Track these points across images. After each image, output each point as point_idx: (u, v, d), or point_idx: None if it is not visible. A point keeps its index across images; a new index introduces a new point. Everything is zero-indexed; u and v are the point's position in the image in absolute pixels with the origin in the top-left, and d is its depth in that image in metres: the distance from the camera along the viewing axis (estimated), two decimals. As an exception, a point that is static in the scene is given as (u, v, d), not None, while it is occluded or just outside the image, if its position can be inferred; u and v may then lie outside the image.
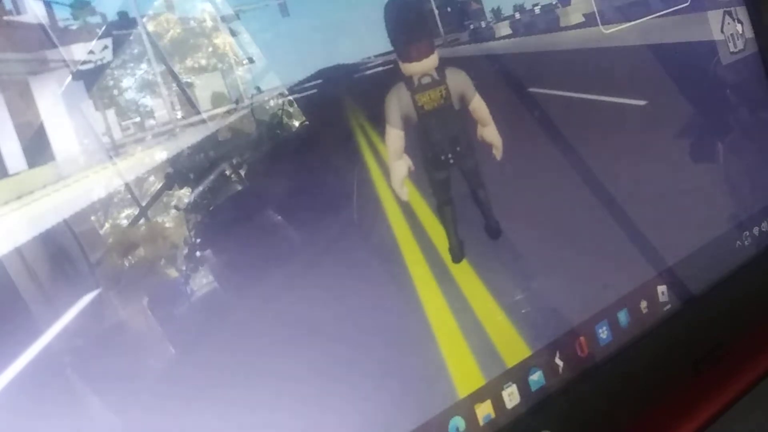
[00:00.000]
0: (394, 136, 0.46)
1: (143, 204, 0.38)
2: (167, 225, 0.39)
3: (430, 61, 0.48)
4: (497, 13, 0.53)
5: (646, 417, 0.53)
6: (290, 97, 0.43)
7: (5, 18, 0.35)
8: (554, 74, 0.54)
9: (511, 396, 0.47)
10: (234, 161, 0.41)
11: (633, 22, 0.59)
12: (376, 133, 0.46)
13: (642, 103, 0.58)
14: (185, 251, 0.39)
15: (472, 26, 0.51)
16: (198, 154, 0.40)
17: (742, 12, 0.66)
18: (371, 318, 0.43)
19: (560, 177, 0.53)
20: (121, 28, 0.38)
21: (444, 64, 0.48)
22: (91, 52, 0.37)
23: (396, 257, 0.45)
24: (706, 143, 0.63)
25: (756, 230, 0.64)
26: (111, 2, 0.38)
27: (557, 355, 0.50)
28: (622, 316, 0.54)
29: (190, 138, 0.39)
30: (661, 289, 0.56)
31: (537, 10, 0.54)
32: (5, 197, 0.34)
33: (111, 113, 0.37)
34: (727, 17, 0.65)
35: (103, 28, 0.38)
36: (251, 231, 0.41)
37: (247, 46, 0.42)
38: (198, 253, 0.39)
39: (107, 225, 0.37)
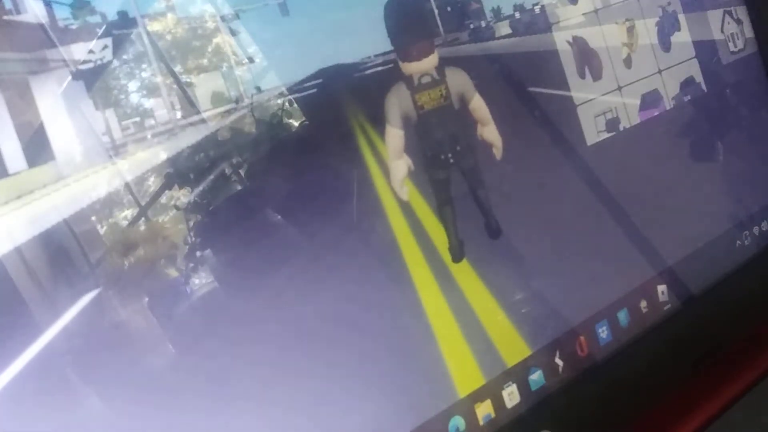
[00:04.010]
0: (394, 136, 0.46)
1: (143, 204, 0.38)
2: (167, 225, 0.39)
3: (430, 61, 0.48)
4: (497, 13, 0.53)
5: (646, 417, 0.53)
6: (290, 97, 0.43)
7: (5, 18, 0.35)
8: (554, 74, 0.54)
9: (511, 395, 0.47)
10: (234, 161, 0.41)
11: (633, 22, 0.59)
12: (376, 133, 0.46)
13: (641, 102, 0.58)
14: (185, 251, 0.39)
15: (472, 26, 0.51)
16: (198, 153, 0.40)
17: (742, 12, 0.66)
18: (371, 318, 0.43)
19: (560, 177, 0.53)
20: (121, 27, 0.38)
21: (444, 63, 0.48)
22: (90, 51, 0.37)
23: (396, 257, 0.45)
24: (706, 143, 0.63)
25: (756, 230, 0.64)
26: (111, 2, 0.38)
27: (557, 354, 0.50)
28: (622, 316, 0.54)
29: (190, 138, 0.39)
30: (661, 288, 0.56)
31: (537, 9, 0.54)
32: (5, 197, 0.34)
33: (111, 113, 0.37)
34: (727, 17, 0.65)
35: (103, 28, 0.38)
36: (251, 231, 0.41)
37: (247, 46, 0.42)
38: (198, 253, 0.39)
39: (107, 225, 0.37)
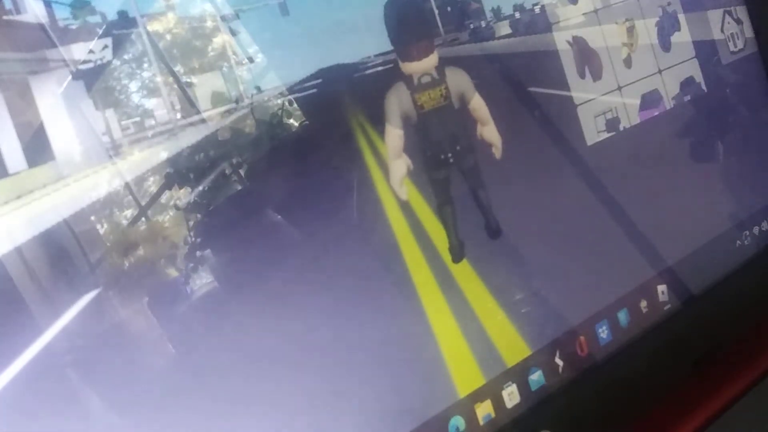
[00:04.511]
0: (394, 135, 0.46)
1: (143, 204, 0.38)
2: (167, 225, 0.39)
3: (430, 61, 0.48)
4: (497, 13, 0.53)
5: (646, 417, 0.53)
6: (290, 97, 0.43)
7: (5, 18, 0.35)
8: (554, 74, 0.54)
9: (511, 395, 0.47)
10: (234, 161, 0.41)
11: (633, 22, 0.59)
12: (376, 133, 0.46)
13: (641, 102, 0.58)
14: (185, 251, 0.39)
15: (472, 26, 0.51)
16: (198, 153, 0.40)
17: (742, 12, 0.66)
18: (371, 318, 0.43)
19: (560, 177, 0.53)
20: (121, 27, 0.38)
21: (444, 63, 0.48)
22: (91, 51, 0.37)
23: (396, 257, 0.45)
24: (706, 143, 0.63)
25: (756, 230, 0.64)
26: (111, 2, 0.38)
27: (557, 354, 0.50)
28: (622, 316, 0.54)
29: (190, 138, 0.39)
30: (661, 288, 0.56)
31: (537, 9, 0.54)
32: (5, 197, 0.34)
33: (111, 113, 0.37)
34: (727, 17, 0.65)
35: (103, 28, 0.38)
36: (251, 231, 0.41)
37: (247, 46, 0.42)
38: (198, 253, 0.39)
39: (107, 225, 0.37)
